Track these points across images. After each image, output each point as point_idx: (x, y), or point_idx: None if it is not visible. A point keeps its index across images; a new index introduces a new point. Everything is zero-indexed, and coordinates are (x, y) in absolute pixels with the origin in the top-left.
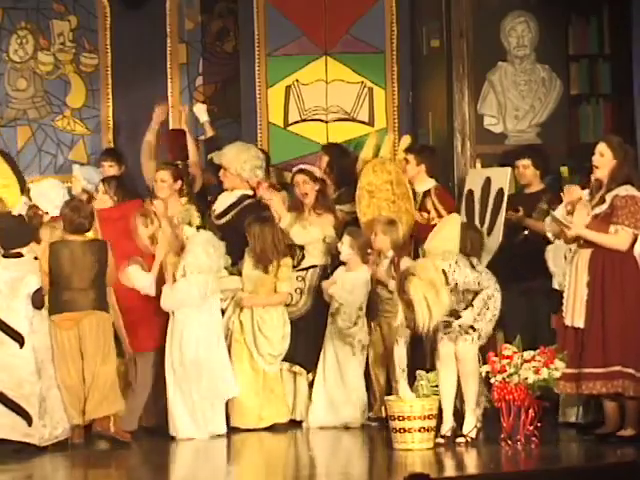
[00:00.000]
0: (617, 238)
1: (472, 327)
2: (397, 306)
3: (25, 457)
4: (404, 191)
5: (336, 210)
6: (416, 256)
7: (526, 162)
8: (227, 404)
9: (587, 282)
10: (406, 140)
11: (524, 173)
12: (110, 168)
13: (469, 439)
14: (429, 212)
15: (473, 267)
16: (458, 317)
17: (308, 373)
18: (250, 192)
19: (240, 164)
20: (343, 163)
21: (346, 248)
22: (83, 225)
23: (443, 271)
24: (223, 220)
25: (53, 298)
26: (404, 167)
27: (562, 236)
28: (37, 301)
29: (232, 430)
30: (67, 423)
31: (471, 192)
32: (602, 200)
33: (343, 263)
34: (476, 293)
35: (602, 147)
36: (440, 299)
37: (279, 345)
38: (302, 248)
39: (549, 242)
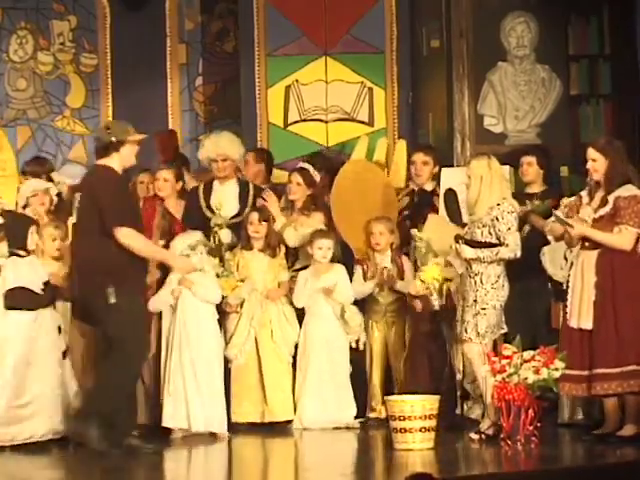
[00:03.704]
0: (621, 237)
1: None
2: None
3: None
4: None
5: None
6: None
7: (531, 159)
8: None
9: (595, 283)
10: (402, 145)
11: (527, 170)
12: None
13: (484, 436)
14: None
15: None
16: (460, 241)
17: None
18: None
19: (240, 152)
20: (328, 167)
21: (331, 252)
22: None
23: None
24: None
25: None
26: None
27: (566, 237)
28: (9, 300)
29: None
30: (60, 425)
31: (452, 190)
32: (604, 202)
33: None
34: (493, 245)
35: (592, 153)
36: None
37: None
38: (295, 249)
39: (547, 242)
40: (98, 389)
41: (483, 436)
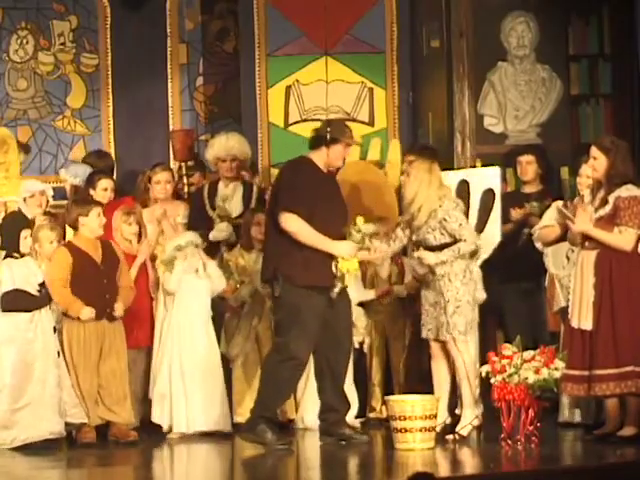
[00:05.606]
0: (621, 238)
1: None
2: None
3: None
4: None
5: None
6: None
7: (530, 158)
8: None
9: (594, 284)
10: (395, 144)
11: (527, 169)
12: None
13: (457, 437)
14: None
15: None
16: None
17: None
18: None
19: (248, 153)
20: None
21: None
22: None
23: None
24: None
25: None
26: None
27: (569, 237)
28: (6, 303)
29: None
30: (57, 425)
31: None
32: (605, 202)
33: None
34: (451, 244)
35: (594, 151)
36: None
37: None
38: None
39: None
40: (262, 378)
41: (457, 436)
